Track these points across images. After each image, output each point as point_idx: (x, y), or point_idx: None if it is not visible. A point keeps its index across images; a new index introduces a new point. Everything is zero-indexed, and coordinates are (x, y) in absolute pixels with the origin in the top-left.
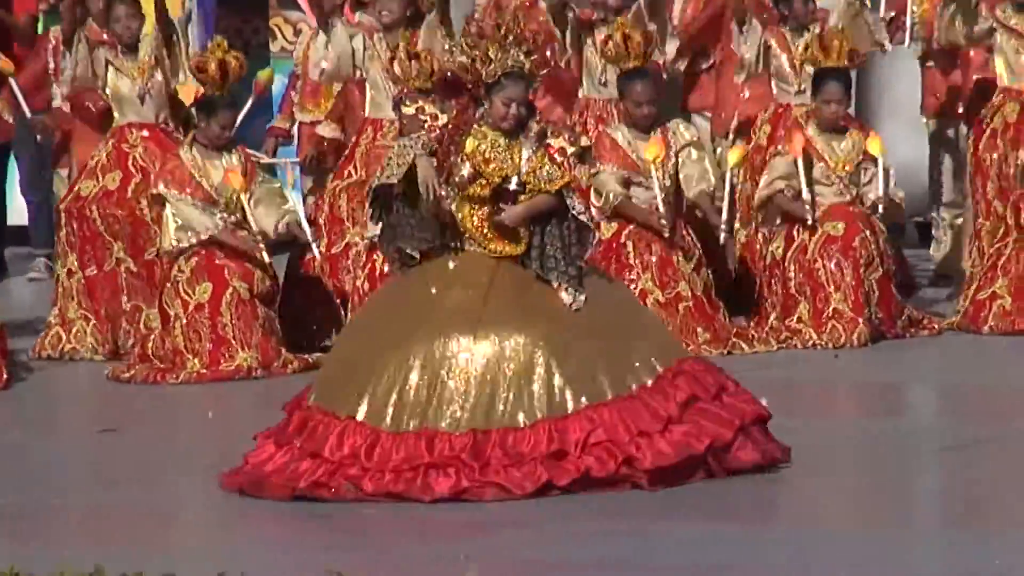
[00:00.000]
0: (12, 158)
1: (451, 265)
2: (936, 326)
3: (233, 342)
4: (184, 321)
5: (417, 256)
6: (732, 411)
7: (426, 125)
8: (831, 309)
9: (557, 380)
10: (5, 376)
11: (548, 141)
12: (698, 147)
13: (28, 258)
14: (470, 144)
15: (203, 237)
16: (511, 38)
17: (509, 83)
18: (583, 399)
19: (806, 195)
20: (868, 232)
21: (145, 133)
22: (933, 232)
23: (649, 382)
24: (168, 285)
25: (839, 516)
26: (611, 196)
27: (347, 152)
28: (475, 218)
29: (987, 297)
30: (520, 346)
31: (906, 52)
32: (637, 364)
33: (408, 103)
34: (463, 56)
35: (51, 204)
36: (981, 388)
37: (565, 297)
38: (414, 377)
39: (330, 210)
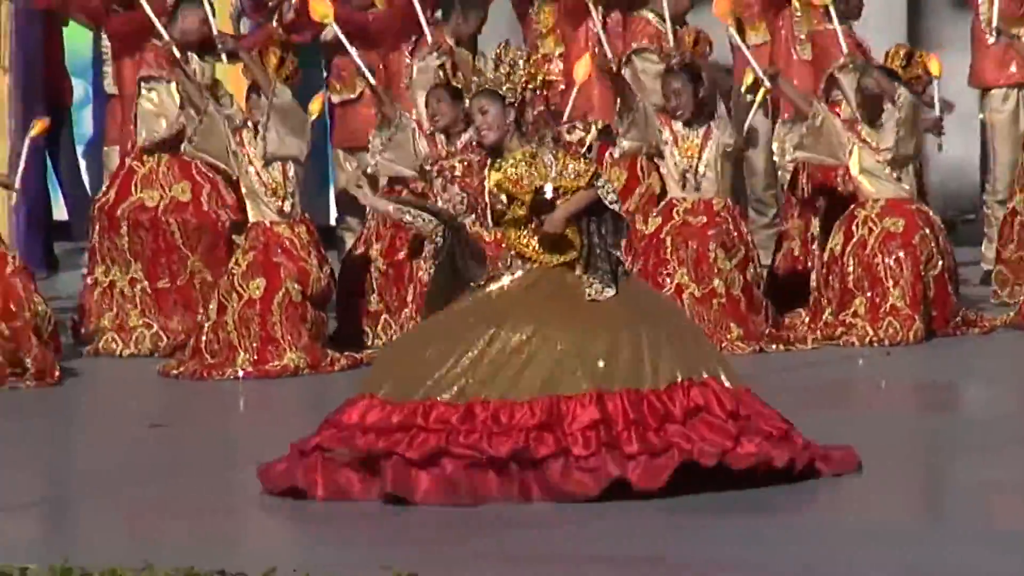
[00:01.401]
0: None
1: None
2: (988, 324)
3: (281, 342)
4: (236, 315)
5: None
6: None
7: (460, 186)
8: (888, 305)
9: (569, 364)
10: (57, 373)
11: (565, 139)
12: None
13: (75, 253)
14: (494, 177)
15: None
16: (499, 65)
17: (481, 96)
18: (584, 384)
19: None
20: (928, 230)
21: None
22: (985, 229)
23: (663, 386)
24: (224, 278)
25: (889, 512)
26: None
27: None
28: (524, 238)
29: None
30: (538, 334)
31: (958, 47)
32: (658, 368)
33: (433, 172)
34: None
35: (88, 196)
36: None
37: (589, 291)
38: (431, 355)
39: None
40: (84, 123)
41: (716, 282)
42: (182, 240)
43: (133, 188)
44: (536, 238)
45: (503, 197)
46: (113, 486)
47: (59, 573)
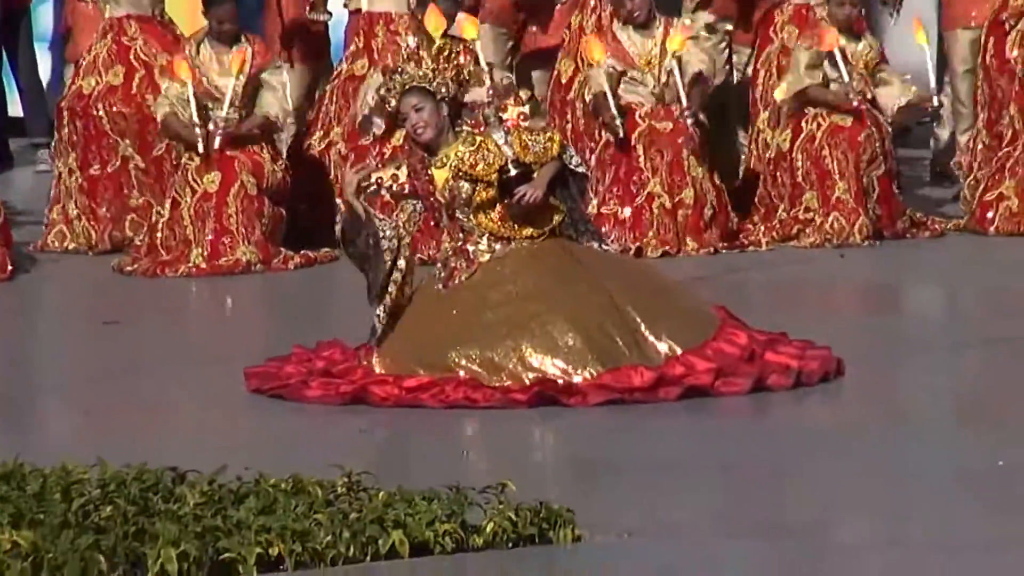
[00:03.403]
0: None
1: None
2: (939, 227)
3: (235, 234)
4: (192, 210)
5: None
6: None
7: (394, 188)
8: (834, 198)
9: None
10: (9, 267)
11: (503, 116)
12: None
13: (29, 149)
14: (441, 175)
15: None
16: (408, 62)
17: (401, 100)
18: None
19: (851, 84)
20: (875, 129)
21: (143, 25)
22: (935, 128)
23: (679, 351)
24: (178, 174)
25: (839, 414)
26: (594, 92)
27: (347, 50)
28: (492, 219)
29: (994, 199)
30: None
31: None
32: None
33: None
34: (377, 100)
35: (44, 93)
36: (986, 289)
37: (598, 247)
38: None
39: (320, 105)
40: (43, 20)
41: (686, 192)
42: (110, 126)
43: (77, 78)
44: (509, 215)
45: (464, 185)
46: (66, 383)
47: (10, 468)
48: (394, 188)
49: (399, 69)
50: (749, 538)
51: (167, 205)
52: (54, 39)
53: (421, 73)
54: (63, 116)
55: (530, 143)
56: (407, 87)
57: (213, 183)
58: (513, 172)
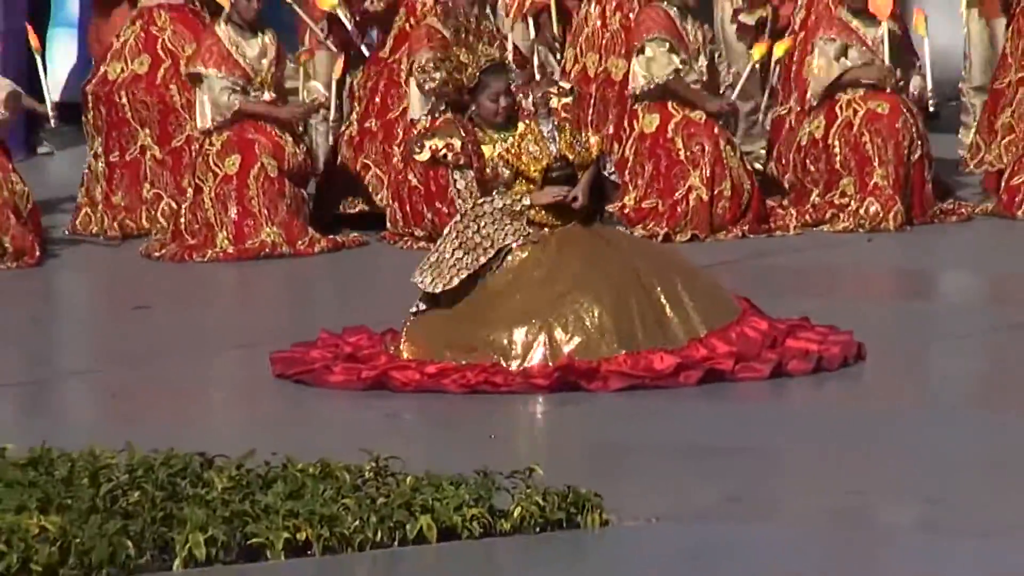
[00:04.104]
0: None
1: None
2: (965, 211)
3: (258, 216)
4: (213, 193)
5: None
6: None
7: (449, 158)
8: (871, 184)
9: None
10: (38, 252)
11: (551, 106)
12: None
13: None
14: (487, 151)
15: (227, 116)
16: (472, 37)
17: (490, 79)
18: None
19: (890, 66)
20: (909, 115)
21: (173, 14)
22: (962, 117)
23: (703, 333)
24: (199, 159)
25: (869, 397)
26: (667, 71)
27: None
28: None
29: (1021, 183)
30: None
31: None
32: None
33: (418, 149)
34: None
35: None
36: (1014, 273)
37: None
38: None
39: (357, 90)
40: (70, 7)
41: (725, 184)
42: (132, 114)
43: (103, 63)
44: (546, 207)
45: (505, 171)
46: (94, 368)
47: (38, 454)
48: (449, 157)
49: (472, 46)
50: (774, 523)
51: (189, 191)
52: (81, 26)
53: (497, 54)
54: (88, 100)
55: (574, 143)
56: (487, 66)
57: (233, 165)
58: (557, 174)
